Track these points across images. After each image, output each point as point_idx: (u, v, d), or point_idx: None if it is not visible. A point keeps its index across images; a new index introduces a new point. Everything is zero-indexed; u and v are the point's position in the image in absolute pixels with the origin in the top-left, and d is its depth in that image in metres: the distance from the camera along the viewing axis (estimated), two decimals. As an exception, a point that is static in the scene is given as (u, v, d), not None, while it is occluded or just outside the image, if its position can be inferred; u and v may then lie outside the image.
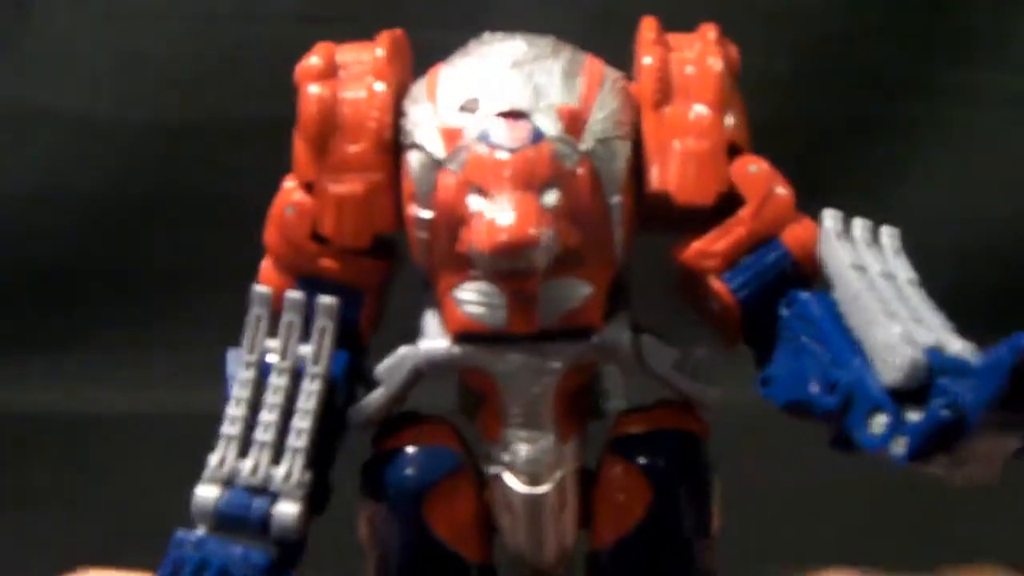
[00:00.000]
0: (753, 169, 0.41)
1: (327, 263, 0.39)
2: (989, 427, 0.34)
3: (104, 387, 0.99)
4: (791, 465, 0.78)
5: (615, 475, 0.39)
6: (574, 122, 0.38)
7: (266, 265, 0.41)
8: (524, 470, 0.38)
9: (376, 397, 0.39)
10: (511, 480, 0.38)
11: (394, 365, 0.39)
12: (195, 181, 1.01)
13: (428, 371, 0.39)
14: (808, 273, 0.40)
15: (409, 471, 0.39)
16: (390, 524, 0.39)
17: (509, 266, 0.36)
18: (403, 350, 0.39)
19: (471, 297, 0.37)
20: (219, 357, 0.41)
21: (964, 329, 0.38)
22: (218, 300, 0.53)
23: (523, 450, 0.38)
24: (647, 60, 0.42)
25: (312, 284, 0.39)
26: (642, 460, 0.38)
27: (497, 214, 0.36)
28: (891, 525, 0.80)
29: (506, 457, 0.38)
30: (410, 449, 0.39)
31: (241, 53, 0.99)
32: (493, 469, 0.39)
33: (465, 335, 0.38)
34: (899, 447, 0.35)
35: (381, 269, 0.40)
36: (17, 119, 1.02)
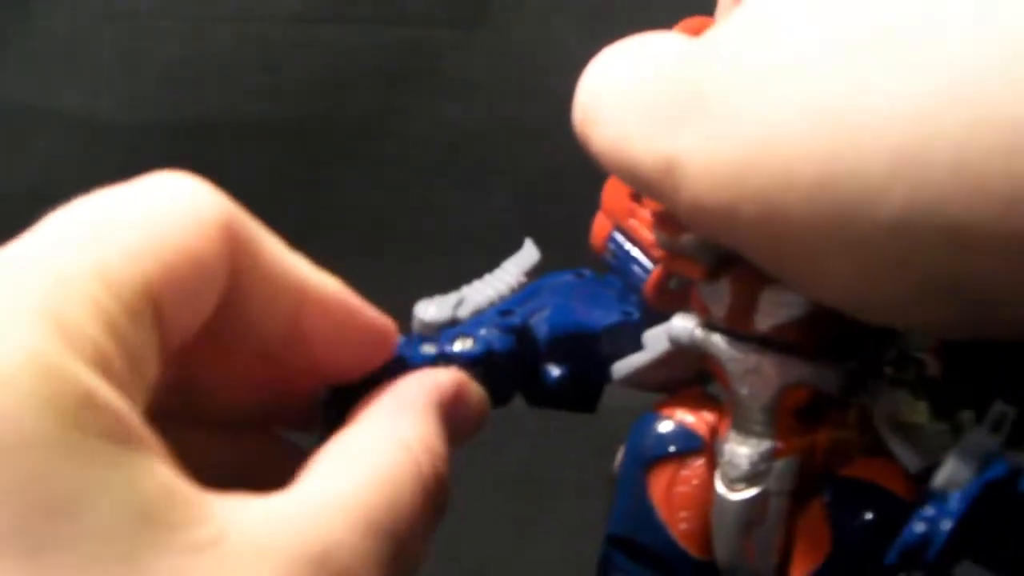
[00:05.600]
0: None
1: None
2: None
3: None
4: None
5: (812, 512, 0.37)
6: None
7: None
8: (728, 472, 0.37)
9: (637, 359, 0.41)
10: (717, 477, 0.38)
11: (656, 335, 0.40)
12: (195, 181, 1.02)
13: (676, 348, 0.39)
14: None
15: (647, 438, 0.39)
16: (618, 478, 0.40)
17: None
18: (669, 323, 0.39)
19: (706, 287, 0.37)
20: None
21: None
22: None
23: (734, 451, 0.37)
24: None
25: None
26: (834, 508, 0.36)
27: None
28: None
29: (722, 454, 0.37)
30: (663, 421, 0.40)
31: (241, 53, 0.99)
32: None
33: (710, 323, 0.37)
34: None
35: None
36: (17, 119, 1.02)
